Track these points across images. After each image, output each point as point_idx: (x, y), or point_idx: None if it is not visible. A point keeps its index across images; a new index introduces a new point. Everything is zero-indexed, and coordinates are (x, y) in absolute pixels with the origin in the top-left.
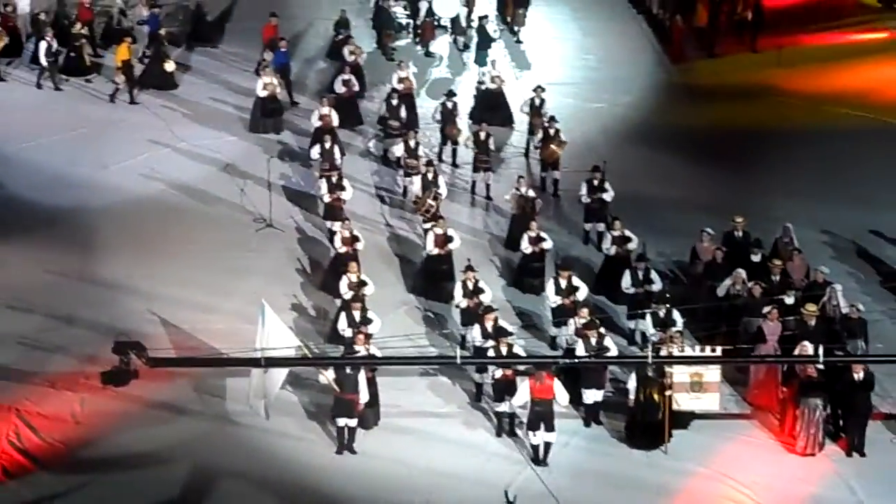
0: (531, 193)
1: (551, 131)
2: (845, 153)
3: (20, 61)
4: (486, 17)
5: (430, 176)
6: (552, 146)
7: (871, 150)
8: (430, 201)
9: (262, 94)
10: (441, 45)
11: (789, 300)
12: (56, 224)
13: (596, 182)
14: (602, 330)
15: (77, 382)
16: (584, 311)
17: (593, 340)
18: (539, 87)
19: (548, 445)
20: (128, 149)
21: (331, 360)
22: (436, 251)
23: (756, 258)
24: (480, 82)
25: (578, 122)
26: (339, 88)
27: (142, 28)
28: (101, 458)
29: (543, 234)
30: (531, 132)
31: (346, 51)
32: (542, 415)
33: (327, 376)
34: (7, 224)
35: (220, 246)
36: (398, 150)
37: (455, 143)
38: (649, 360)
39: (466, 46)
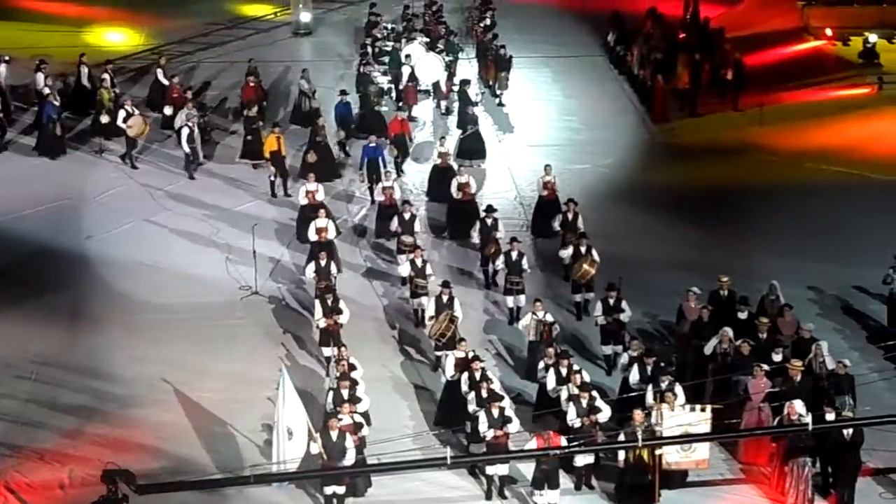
0: (549, 318)
1: (582, 248)
2: (828, 209)
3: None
4: (467, 81)
5: (444, 298)
6: (585, 266)
7: (853, 205)
8: (446, 324)
9: (303, 201)
10: (424, 109)
11: (777, 357)
12: (42, 295)
13: (612, 301)
14: (594, 393)
15: (65, 454)
16: (578, 378)
17: (584, 402)
18: (571, 200)
19: None
20: (112, 218)
21: (324, 471)
22: (458, 377)
23: (743, 315)
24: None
25: (562, 184)
26: (379, 196)
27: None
28: None
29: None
30: (563, 247)
31: (435, 153)
32: (547, 473)
33: (317, 444)
34: None
35: (206, 313)
36: (405, 269)
37: (493, 262)
38: (639, 444)
39: (449, 111)
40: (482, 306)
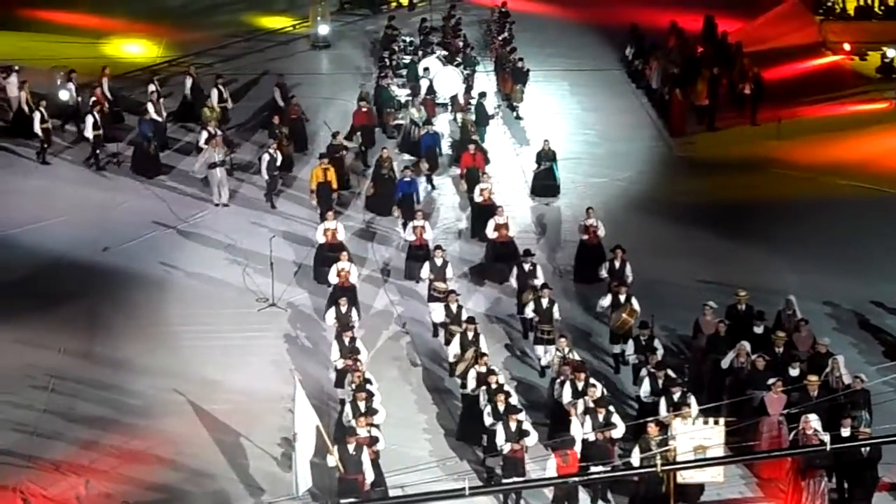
0: (574, 355)
1: (621, 296)
2: (845, 224)
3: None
4: (484, 94)
5: (470, 335)
6: (623, 315)
7: (870, 220)
8: (472, 363)
9: (321, 240)
10: (441, 122)
11: (794, 372)
12: (59, 307)
13: (644, 340)
14: (611, 408)
15: (81, 466)
16: (595, 391)
17: (601, 417)
18: (619, 247)
19: None
20: (130, 230)
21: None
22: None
23: (759, 330)
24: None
25: (579, 197)
26: (409, 236)
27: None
28: None
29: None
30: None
31: (477, 190)
32: (567, 492)
33: (333, 457)
34: (7, 307)
35: (222, 325)
36: (438, 315)
37: (526, 309)
38: (658, 470)
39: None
40: (515, 353)
